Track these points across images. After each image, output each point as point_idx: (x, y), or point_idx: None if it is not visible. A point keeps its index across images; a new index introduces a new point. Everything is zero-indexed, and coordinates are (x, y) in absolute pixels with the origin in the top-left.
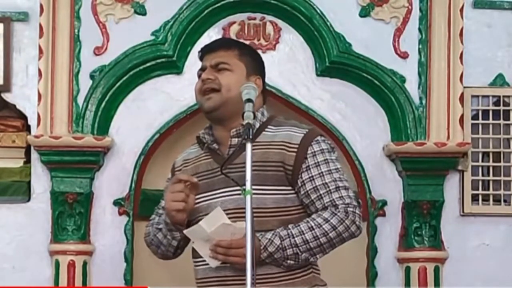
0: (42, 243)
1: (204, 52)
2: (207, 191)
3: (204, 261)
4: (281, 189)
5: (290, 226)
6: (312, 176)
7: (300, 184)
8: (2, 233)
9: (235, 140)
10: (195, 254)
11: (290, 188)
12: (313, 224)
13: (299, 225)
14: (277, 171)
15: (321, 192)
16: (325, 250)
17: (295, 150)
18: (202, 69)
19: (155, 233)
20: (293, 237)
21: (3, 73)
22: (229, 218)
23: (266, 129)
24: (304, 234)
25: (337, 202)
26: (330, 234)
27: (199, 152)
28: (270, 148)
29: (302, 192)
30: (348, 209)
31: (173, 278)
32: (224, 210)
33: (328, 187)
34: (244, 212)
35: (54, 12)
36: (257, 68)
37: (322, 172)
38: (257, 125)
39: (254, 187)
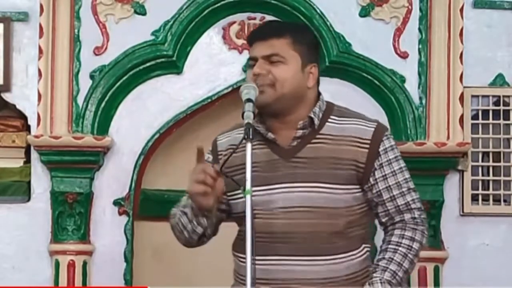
0: (42, 243)
1: (254, 39)
2: (265, 184)
3: (262, 260)
4: (351, 188)
5: (384, 263)
6: (386, 175)
7: (372, 183)
8: (2, 233)
9: (300, 132)
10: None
11: (358, 186)
12: (405, 251)
13: (393, 258)
14: (349, 169)
15: (395, 193)
16: (415, 264)
17: (368, 146)
18: (253, 59)
19: (180, 217)
20: (397, 274)
21: (3, 73)
22: (293, 217)
23: (330, 120)
24: (402, 265)
25: (412, 206)
26: (418, 250)
27: None
28: (341, 144)
29: (374, 191)
30: (422, 216)
31: (173, 278)
32: (287, 208)
33: (402, 187)
34: (314, 211)
35: (54, 12)
36: (312, 55)
37: (394, 171)
38: (320, 115)
39: (324, 185)
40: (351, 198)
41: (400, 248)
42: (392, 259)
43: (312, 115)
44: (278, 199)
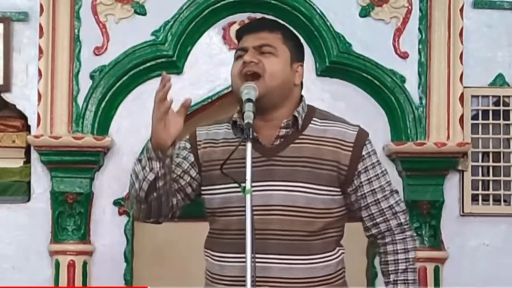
0: (42, 243)
1: (244, 32)
2: (244, 181)
3: (238, 257)
4: (331, 190)
5: (391, 287)
6: (370, 178)
7: (356, 185)
8: (2, 233)
9: (283, 131)
10: (223, 248)
11: (338, 189)
12: (404, 266)
13: (397, 280)
14: (330, 170)
15: (379, 196)
16: (417, 269)
17: (350, 149)
18: (243, 49)
19: (133, 167)
20: None
21: (3, 73)
22: (272, 215)
23: (312, 122)
24: (408, 280)
25: (396, 209)
26: (415, 256)
27: (229, 135)
28: (322, 145)
29: (359, 194)
30: (407, 219)
31: (173, 278)
32: (265, 206)
33: (385, 191)
34: (292, 210)
35: (54, 12)
36: (300, 54)
37: (378, 174)
38: (303, 115)
39: (304, 185)
40: (330, 200)
41: (399, 266)
42: (396, 281)
43: (296, 114)
44: (257, 197)
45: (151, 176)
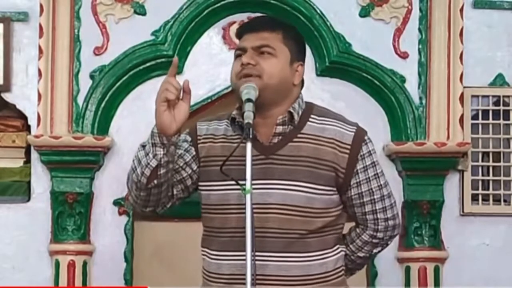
0: (42, 243)
1: (244, 31)
2: (243, 179)
3: (236, 255)
4: (329, 190)
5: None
6: (360, 181)
7: (348, 188)
8: (2, 233)
9: (279, 128)
10: (220, 246)
11: (335, 189)
12: (351, 261)
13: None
14: (329, 171)
15: (365, 199)
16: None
17: (348, 152)
18: (242, 49)
19: (136, 153)
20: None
21: (3, 73)
22: (270, 213)
23: (310, 119)
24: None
25: (379, 216)
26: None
27: (228, 131)
28: (321, 145)
29: (348, 195)
30: (389, 226)
31: (173, 278)
32: (264, 204)
33: (373, 195)
34: (291, 209)
35: (54, 12)
36: (300, 53)
37: (369, 177)
38: (300, 112)
39: (305, 184)
40: (329, 199)
41: (347, 257)
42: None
43: (292, 110)
44: (254, 195)
45: (153, 163)
